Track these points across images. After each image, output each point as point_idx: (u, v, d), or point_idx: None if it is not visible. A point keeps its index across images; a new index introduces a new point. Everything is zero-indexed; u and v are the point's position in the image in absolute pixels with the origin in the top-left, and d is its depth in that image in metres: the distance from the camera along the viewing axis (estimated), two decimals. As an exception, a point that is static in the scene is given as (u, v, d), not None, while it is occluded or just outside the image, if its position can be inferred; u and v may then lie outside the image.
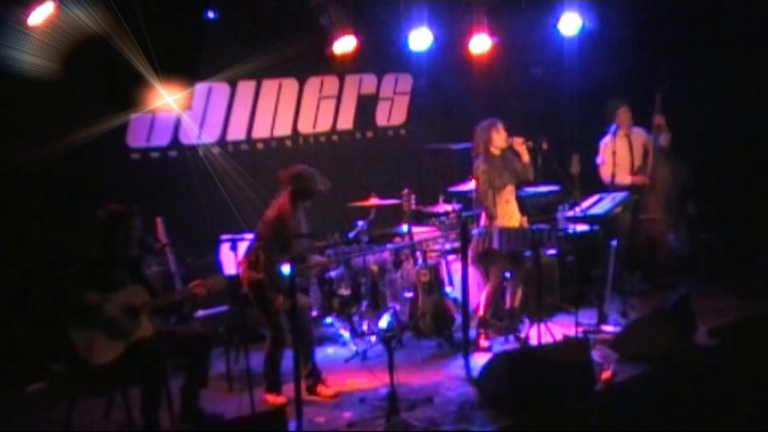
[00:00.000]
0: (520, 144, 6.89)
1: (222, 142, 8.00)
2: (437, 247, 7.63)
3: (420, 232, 7.75)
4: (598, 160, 8.29)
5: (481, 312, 7.00)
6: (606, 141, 8.23)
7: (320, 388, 6.12)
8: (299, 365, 5.64)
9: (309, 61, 8.17)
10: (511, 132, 6.93)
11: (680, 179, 8.23)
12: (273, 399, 6.01)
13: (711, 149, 8.51)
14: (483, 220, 6.94)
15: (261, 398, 5.89)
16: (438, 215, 7.91)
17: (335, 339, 7.27)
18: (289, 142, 8.48)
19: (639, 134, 8.36)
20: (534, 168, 7.01)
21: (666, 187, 8.24)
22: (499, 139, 6.86)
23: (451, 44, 8.59)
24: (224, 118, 8.04)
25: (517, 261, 7.00)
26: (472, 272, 7.07)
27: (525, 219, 7.05)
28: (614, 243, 7.53)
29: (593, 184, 8.07)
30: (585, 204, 7.49)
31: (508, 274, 7.01)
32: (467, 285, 6.69)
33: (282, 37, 7.59)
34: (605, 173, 8.13)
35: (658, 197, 8.26)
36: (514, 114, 8.85)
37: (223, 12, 7.22)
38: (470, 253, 6.86)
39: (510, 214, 6.92)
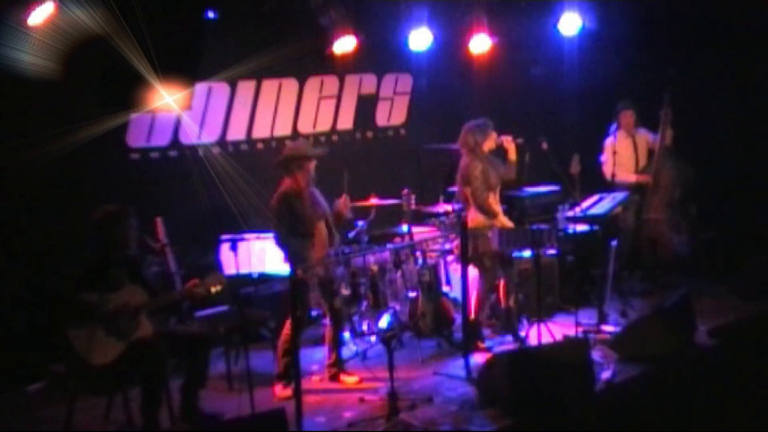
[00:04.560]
0: (509, 142, 6.94)
1: (222, 142, 8.00)
2: (437, 247, 7.63)
3: (420, 232, 7.75)
4: (602, 158, 8.31)
5: (472, 315, 6.92)
6: (609, 140, 8.24)
7: (343, 377, 6.35)
8: (299, 365, 5.66)
9: (309, 61, 8.17)
10: (498, 131, 6.97)
11: (684, 179, 8.23)
12: (281, 391, 6.10)
13: (711, 149, 8.51)
14: (470, 222, 6.92)
15: (262, 395, 5.87)
16: (438, 215, 7.91)
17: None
18: (289, 142, 8.46)
19: (643, 135, 8.37)
20: (519, 166, 7.03)
21: (670, 187, 8.24)
22: (490, 141, 6.90)
23: (451, 44, 8.60)
24: (224, 118, 8.03)
25: (507, 262, 7.00)
26: (472, 272, 7.07)
27: (507, 218, 7.07)
28: (614, 243, 7.54)
29: (593, 184, 8.08)
30: (585, 204, 7.49)
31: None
32: (467, 285, 6.69)
33: (282, 37, 7.59)
34: (606, 172, 8.16)
35: (661, 197, 8.26)
36: (514, 114, 8.87)
37: (223, 12, 7.21)
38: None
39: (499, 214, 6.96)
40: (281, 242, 6.14)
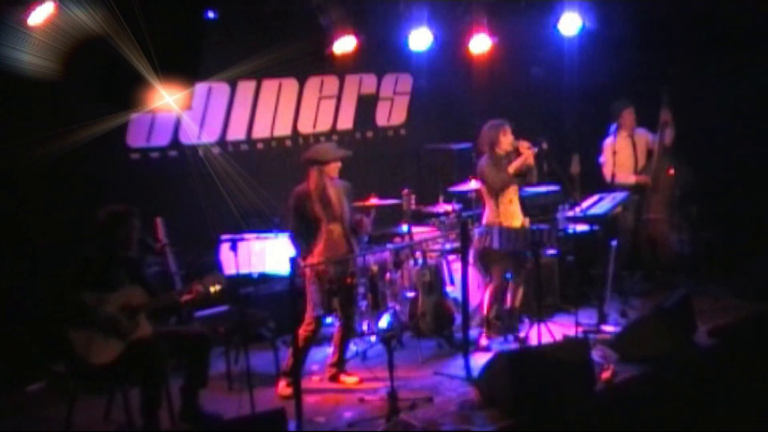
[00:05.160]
0: (526, 148, 6.89)
1: (222, 142, 8.00)
2: (437, 247, 7.63)
3: (420, 232, 7.75)
4: (601, 159, 8.30)
5: (484, 311, 7.01)
6: (608, 141, 8.23)
7: (343, 377, 6.37)
8: (299, 365, 5.66)
9: (309, 61, 8.16)
10: (517, 135, 6.96)
11: (684, 180, 8.23)
12: (284, 389, 6.10)
13: (711, 149, 8.51)
14: (484, 220, 6.95)
15: (262, 395, 5.87)
16: (438, 215, 7.91)
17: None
18: (289, 142, 8.48)
19: (642, 135, 8.37)
20: (537, 171, 7.02)
21: (670, 188, 8.24)
22: (506, 141, 6.90)
23: (451, 44, 8.60)
24: (224, 118, 8.03)
25: (519, 261, 7.01)
26: (472, 272, 7.08)
27: (527, 220, 7.04)
28: (614, 243, 7.54)
29: (593, 184, 8.08)
30: (585, 204, 7.49)
31: (509, 275, 7.02)
32: (467, 285, 6.69)
33: (282, 37, 7.59)
34: (606, 173, 8.16)
35: (661, 197, 8.26)
36: (514, 114, 8.86)
37: (223, 12, 7.22)
38: (471, 253, 6.88)
39: (513, 214, 6.92)
40: (292, 240, 6.25)
